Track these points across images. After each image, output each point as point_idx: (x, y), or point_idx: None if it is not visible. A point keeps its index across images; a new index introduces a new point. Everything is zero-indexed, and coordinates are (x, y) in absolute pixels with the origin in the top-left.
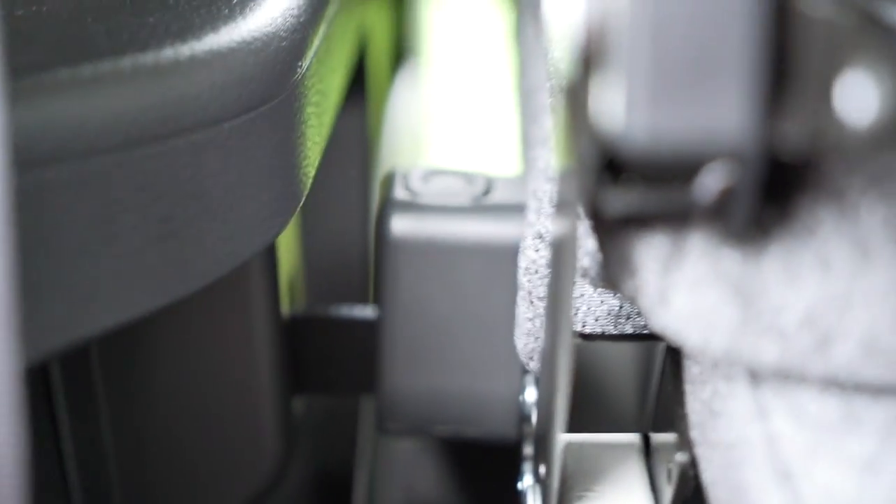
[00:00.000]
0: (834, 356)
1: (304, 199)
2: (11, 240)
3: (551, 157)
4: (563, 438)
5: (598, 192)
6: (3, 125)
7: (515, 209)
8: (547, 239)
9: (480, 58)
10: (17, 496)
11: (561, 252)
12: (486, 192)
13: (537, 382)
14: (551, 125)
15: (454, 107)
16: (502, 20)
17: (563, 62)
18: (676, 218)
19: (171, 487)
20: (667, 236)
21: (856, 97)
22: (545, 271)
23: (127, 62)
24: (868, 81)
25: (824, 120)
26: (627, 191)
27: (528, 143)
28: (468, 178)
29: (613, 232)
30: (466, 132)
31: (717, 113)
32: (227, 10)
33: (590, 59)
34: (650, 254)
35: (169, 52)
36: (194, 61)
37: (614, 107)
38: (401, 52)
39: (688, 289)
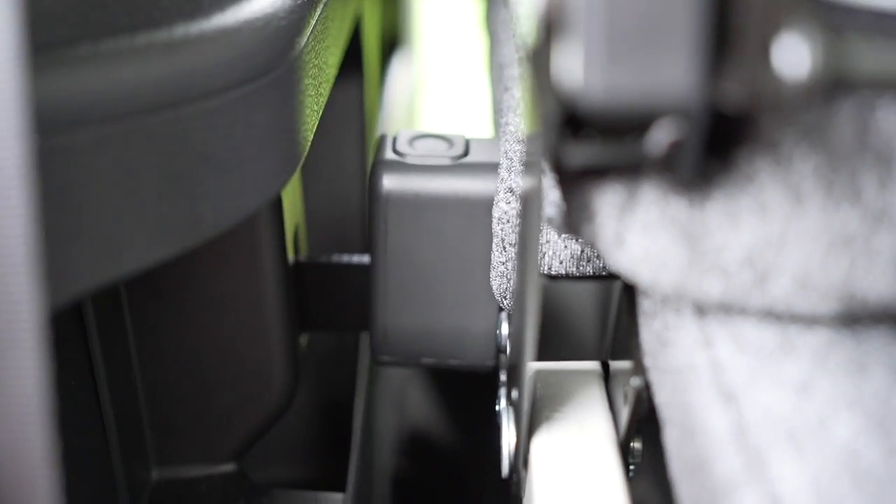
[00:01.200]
0: (771, 290)
1: (303, 158)
2: (35, 197)
3: (520, 122)
4: (532, 366)
5: (559, 146)
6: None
7: (490, 167)
8: (517, 193)
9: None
10: (46, 435)
11: (528, 203)
12: (465, 152)
13: (510, 318)
14: (520, 93)
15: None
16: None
17: (526, 29)
18: (630, 169)
19: (193, 412)
20: (621, 185)
21: (791, 56)
22: (516, 221)
23: (142, 38)
24: (801, 41)
25: (763, 77)
26: (586, 145)
27: (499, 110)
28: (449, 140)
29: (574, 183)
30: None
31: (665, 73)
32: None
33: (550, 25)
34: (606, 201)
35: (180, 30)
36: (203, 38)
37: (573, 67)
38: (395, 35)
39: (640, 232)
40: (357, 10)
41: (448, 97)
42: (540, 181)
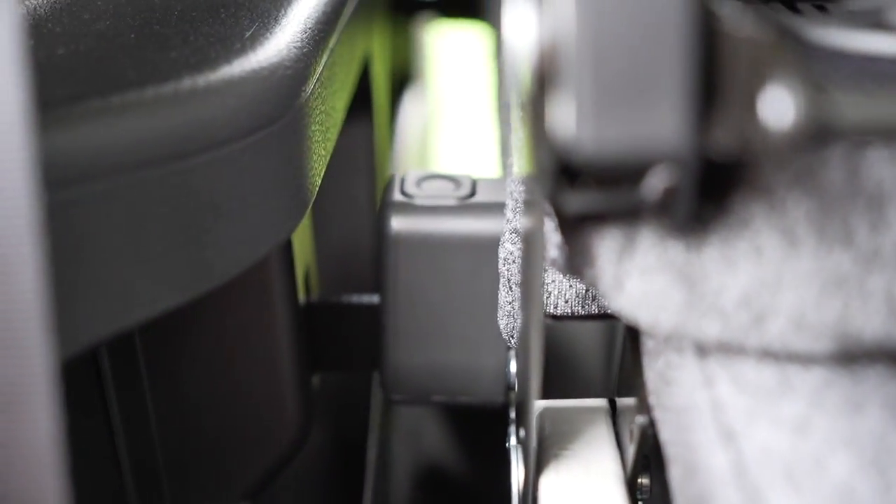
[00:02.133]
0: (768, 330)
1: (311, 203)
2: (45, 249)
3: (522, 163)
4: (538, 404)
5: (557, 193)
6: (34, 146)
7: (496, 207)
8: (522, 233)
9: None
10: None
11: (531, 245)
12: (472, 193)
13: (517, 356)
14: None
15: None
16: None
17: (521, 80)
18: (627, 214)
19: (207, 454)
20: (619, 230)
21: (776, 108)
22: (521, 261)
23: (150, 92)
24: (785, 94)
25: (750, 127)
26: (583, 192)
27: (505, 150)
28: (456, 180)
29: (574, 227)
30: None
31: (656, 123)
32: (239, 44)
33: (544, 78)
34: (605, 246)
35: (187, 83)
36: (209, 90)
37: (566, 120)
38: (407, 72)
39: (639, 275)
40: (366, 51)
41: (459, 135)
42: (541, 223)
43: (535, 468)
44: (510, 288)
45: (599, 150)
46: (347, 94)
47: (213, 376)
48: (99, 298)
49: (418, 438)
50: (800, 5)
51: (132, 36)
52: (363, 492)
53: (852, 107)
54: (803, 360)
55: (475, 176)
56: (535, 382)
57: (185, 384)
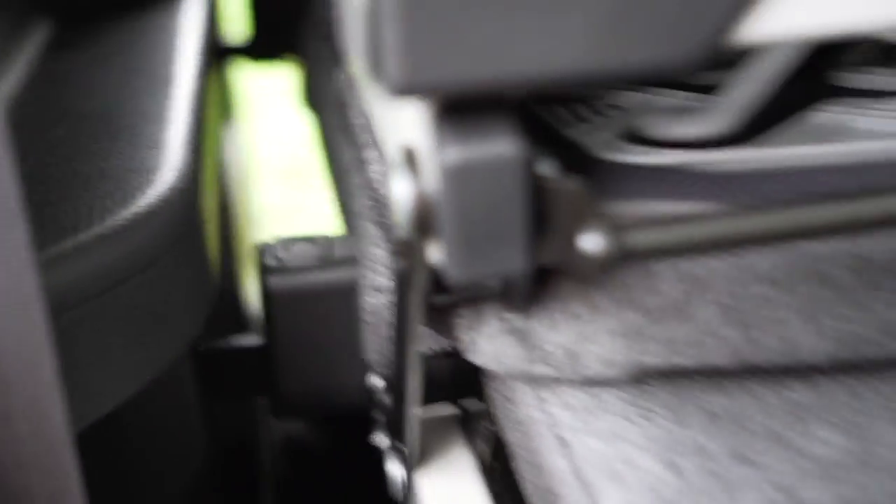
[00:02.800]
0: (583, 368)
1: (213, 300)
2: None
3: (377, 231)
4: (415, 418)
5: (428, 296)
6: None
7: (352, 261)
8: (382, 290)
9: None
10: None
11: (404, 314)
12: (329, 250)
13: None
14: (365, 203)
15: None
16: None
17: (401, 222)
18: (479, 301)
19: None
20: (472, 311)
21: (590, 243)
22: (384, 313)
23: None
24: (597, 234)
25: (572, 255)
26: (449, 295)
27: (350, 212)
28: (314, 241)
29: (439, 311)
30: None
31: (503, 259)
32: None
33: (420, 224)
34: (462, 322)
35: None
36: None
37: (439, 256)
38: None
39: (487, 341)
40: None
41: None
42: (416, 300)
43: (411, 467)
44: (375, 333)
45: (465, 276)
46: (216, 206)
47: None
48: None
49: (304, 447)
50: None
51: None
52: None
53: (642, 238)
54: (610, 385)
55: (330, 236)
56: (412, 413)
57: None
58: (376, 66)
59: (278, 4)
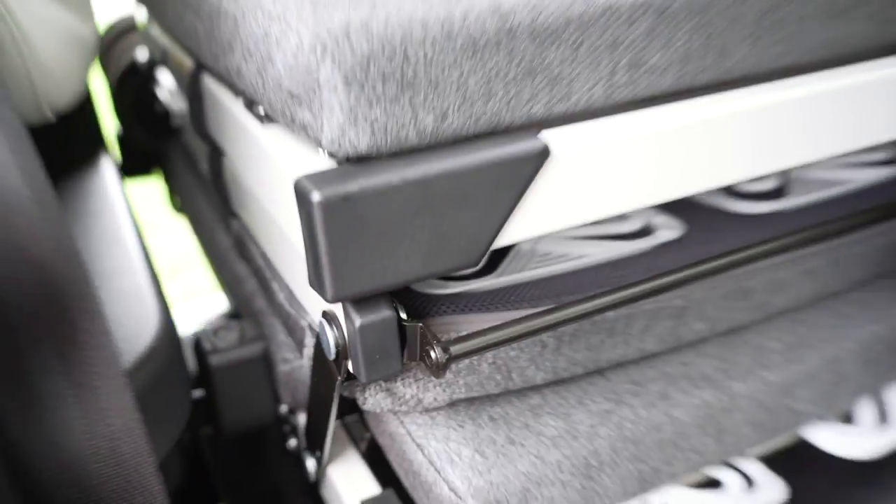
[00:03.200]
0: (425, 405)
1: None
2: None
3: (285, 335)
4: (329, 437)
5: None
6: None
7: (259, 338)
8: (289, 362)
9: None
10: None
11: (330, 393)
12: (243, 332)
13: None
14: (273, 314)
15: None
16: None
17: (327, 352)
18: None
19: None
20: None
21: (434, 355)
22: (295, 375)
23: None
24: (440, 351)
25: (425, 359)
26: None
27: (244, 304)
28: (230, 326)
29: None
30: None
31: (388, 367)
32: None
33: (340, 354)
34: (356, 387)
35: None
36: None
37: (356, 383)
38: None
39: (371, 396)
40: None
41: None
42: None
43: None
44: (290, 389)
45: (366, 380)
46: None
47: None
48: None
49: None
50: None
51: None
52: None
53: (459, 347)
54: (438, 410)
55: (240, 321)
56: (329, 432)
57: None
58: (318, 285)
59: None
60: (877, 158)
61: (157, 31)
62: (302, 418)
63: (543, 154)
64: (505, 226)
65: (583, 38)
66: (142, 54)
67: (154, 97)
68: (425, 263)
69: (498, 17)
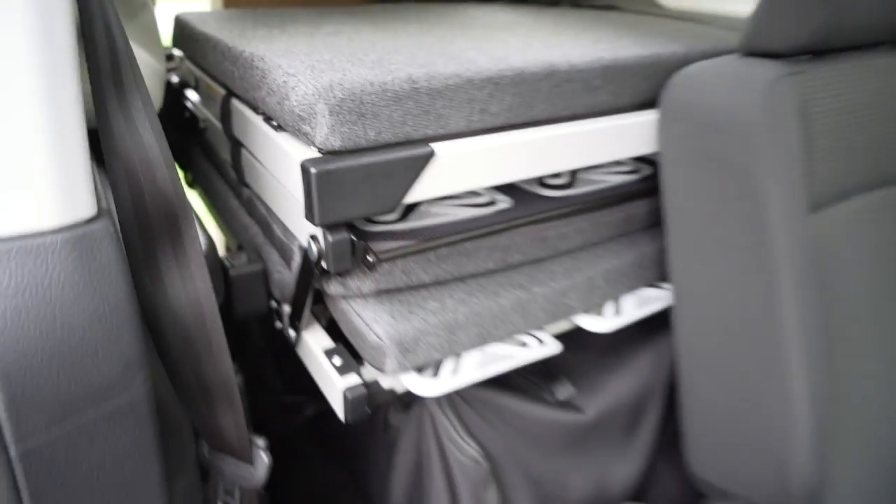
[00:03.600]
0: (364, 291)
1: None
2: None
3: (276, 254)
4: (307, 314)
5: (316, 279)
6: None
7: (259, 258)
8: (282, 272)
9: None
10: None
11: (308, 281)
12: (249, 257)
13: (292, 304)
14: (265, 240)
15: None
16: None
17: (312, 257)
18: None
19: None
20: (336, 288)
21: (369, 258)
22: (286, 279)
23: None
24: (369, 255)
25: (366, 262)
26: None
27: (243, 238)
28: (241, 253)
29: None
30: None
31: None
32: None
33: (320, 257)
34: (329, 285)
35: None
36: None
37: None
38: None
39: (336, 281)
40: None
41: None
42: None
43: (299, 331)
44: (281, 287)
45: (331, 287)
46: None
47: None
48: None
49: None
50: None
51: None
52: None
53: (384, 255)
54: (371, 295)
55: (248, 252)
56: (307, 310)
57: None
58: (310, 216)
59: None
60: (622, 169)
61: (189, 65)
62: (286, 308)
63: (430, 155)
64: (409, 191)
65: (455, 95)
66: (174, 78)
67: (184, 108)
68: (366, 208)
69: (410, 82)
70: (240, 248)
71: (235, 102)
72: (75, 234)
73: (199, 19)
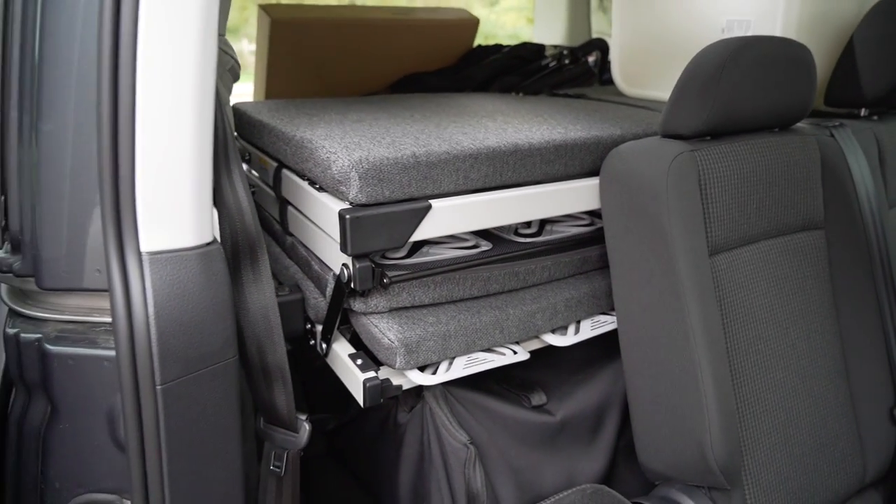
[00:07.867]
0: (381, 308)
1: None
2: None
3: (312, 284)
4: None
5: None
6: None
7: (297, 288)
8: (318, 300)
9: None
10: None
11: (338, 304)
12: (290, 286)
13: (323, 323)
14: (303, 273)
15: None
16: None
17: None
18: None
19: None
20: (360, 304)
21: (388, 277)
22: (320, 304)
23: None
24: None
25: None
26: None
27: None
28: (281, 286)
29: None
30: None
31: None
32: None
33: (349, 281)
34: (354, 303)
35: None
36: None
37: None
38: None
39: (362, 301)
40: None
41: None
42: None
43: (329, 344)
44: (316, 309)
45: (360, 289)
46: None
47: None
48: None
49: None
50: None
51: None
52: None
53: (395, 278)
54: (386, 311)
55: (289, 286)
56: (336, 328)
57: None
58: (344, 249)
59: None
60: (580, 223)
61: (243, 142)
62: (318, 328)
63: (428, 208)
64: (413, 233)
65: (445, 166)
66: None
67: None
68: (383, 244)
69: (414, 157)
70: (280, 283)
71: (286, 171)
72: (202, 251)
73: (254, 108)
